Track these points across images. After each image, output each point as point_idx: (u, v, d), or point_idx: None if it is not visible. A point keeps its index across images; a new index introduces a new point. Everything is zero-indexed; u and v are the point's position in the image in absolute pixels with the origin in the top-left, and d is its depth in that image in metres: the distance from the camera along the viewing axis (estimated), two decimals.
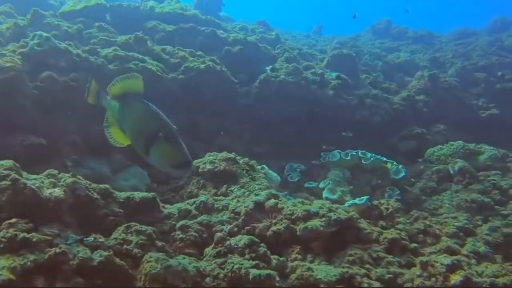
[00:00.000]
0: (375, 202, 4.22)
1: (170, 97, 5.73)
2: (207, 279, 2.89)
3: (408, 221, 4.16)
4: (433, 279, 3.04)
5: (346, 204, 4.31)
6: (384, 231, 3.58)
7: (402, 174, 5.59)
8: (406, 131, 7.08)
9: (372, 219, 4.03)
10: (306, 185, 5.67)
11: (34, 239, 2.53)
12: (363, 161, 5.69)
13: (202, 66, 5.97)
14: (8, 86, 4.50)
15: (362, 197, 4.42)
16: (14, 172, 2.87)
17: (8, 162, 2.93)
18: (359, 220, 3.62)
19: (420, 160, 6.47)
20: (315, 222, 3.35)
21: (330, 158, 5.75)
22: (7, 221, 2.61)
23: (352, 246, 3.34)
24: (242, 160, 4.45)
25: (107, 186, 3.43)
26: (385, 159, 5.81)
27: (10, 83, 4.51)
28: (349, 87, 7.07)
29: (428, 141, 6.94)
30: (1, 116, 4.42)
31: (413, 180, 5.95)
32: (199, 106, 6.08)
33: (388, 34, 11.82)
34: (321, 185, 5.51)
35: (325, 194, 5.32)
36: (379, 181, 5.66)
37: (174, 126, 2.50)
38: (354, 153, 5.73)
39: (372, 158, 5.70)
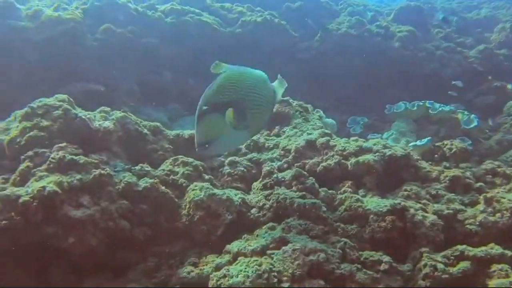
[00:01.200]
0: (438, 144, 3.92)
1: (226, 51, 5.68)
2: (253, 210, 2.81)
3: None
4: (498, 214, 2.72)
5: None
6: (445, 170, 3.29)
7: (474, 123, 5.17)
8: (485, 85, 6.53)
9: (434, 161, 3.76)
10: (369, 136, 5.40)
11: (81, 161, 2.57)
12: (430, 111, 5.33)
13: (259, 19, 5.86)
14: (69, 36, 4.68)
15: (423, 139, 4.14)
16: (66, 103, 2.93)
17: (62, 96, 3.01)
18: (417, 158, 3.36)
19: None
20: (367, 156, 3.15)
21: (395, 109, 5.44)
22: (57, 145, 2.68)
23: (408, 183, 3.11)
24: (296, 102, 4.30)
25: (157, 124, 3.45)
26: (454, 108, 5.41)
27: (70, 33, 4.68)
28: (417, 40, 6.64)
29: (509, 95, 6.36)
30: (62, 65, 4.60)
31: (488, 131, 5.49)
32: (256, 61, 5.94)
33: None
34: (385, 135, 5.24)
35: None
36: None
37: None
38: (421, 103, 5.37)
39: (440, 108, 5.32)
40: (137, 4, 5.57)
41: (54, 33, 4.71)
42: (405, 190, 3.01)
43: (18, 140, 2.76)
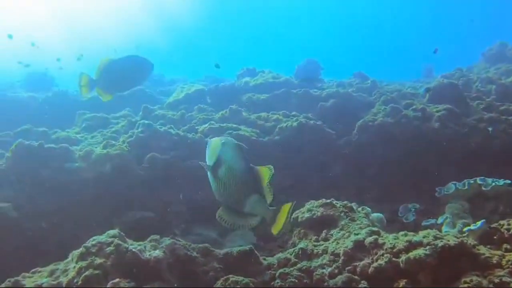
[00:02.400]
0: (494, 225, 3.73)
1: (269, 159, 5.86)
2: None
3: None
4: None
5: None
6: (506, 254, 3.11)
7: None
8: None
9: (493, 245, 3.56)
10: (423, 223, 5.22)
11: None
12: (483, 188, 5.13)
13: (295, 124, 6.07)
14: (117, 170, 5.05)
15: (477, 222, 3.96)
16: (117, 238, 3.13)
17: (114, 231, 3.22)
18: (474, 244, 3.20)
19: None
20: (418, 252, 3.05)
21: (445, 191, 5.29)
22: (111, 281, 2.83)
23: (467, 274, 2.95)
24: (340, 203, 4.30)
25: (206, 245, 3.56)
26: (509, 181, 5.18)
27: (118, 167, 5.05)
28: (457, 116, 6.59)
29: None
30: (114, 197, 4.92)
31: None
32: (300, 163, 6.09)
33: (504, 58, 10.94)
34: (440, 220, 5.05)
35: (444, 229, 4.86)
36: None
37: None
38: (472, 181, 5.20)
39: (493, 183, 5.12)
40: (179, 128, 5.97)
41: (105, 169, 5.10)
42: (465, 283, 2.84)
43: (75, 281, 2.92)
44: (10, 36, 11.22)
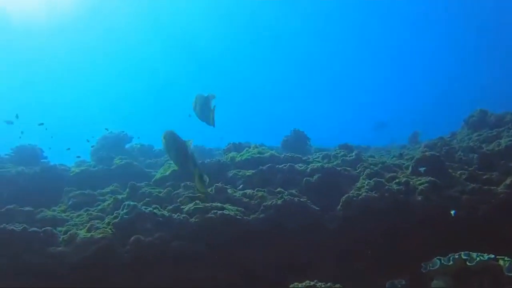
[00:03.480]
0: None
1: (254, 237, 5.90)
2: None
3: None
4: None
5: None
6: None
7: None
8: None
9: None
10: None
11: None
12: (468, 263, 5.15)
13: (279, 201, 6.14)
14: (101, 253, 5.04)
15: None
16: None
17: None
18: None
19: None
20: None
21: (430, 267, 5.30)
22: None
23: None
24: (325, 285, 4.31)
25: None
26: (493, 256, 5.22)
27: (102, 250, 5.05)
28: (440, 188, 6.70)
29: None
30: (99, 280, 4.89)
31: None
32: (285, 240, 6.11)
33: (485, 125, 11.20)
34: None
35: None
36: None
37: None
38: (456, 256, 5.23)
39: (478, 258, 5.15)
40: (165, 207, 6.01)
41: (88, 253, 5.09)
42: None
43: None
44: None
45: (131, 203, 5.76)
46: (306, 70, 44.27)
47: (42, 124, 11.41)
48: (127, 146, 12.19)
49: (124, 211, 5.67)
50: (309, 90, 44.41)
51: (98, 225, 5.63)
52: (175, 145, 4.08)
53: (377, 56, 43.88)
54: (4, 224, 5.26)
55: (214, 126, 4.64)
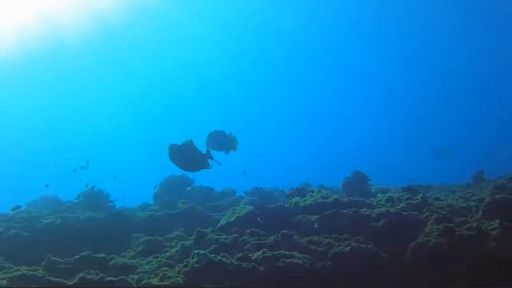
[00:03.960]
0: None
1: (322, 285, 5.84)
2: None
3: None
4: None
5: None
6: None
7: None
8: None
9: None
10: None
11: None
12: None
13: (346, 249, 6.07)
14: None
15: None
16: None
17: None
18: None
19: None
20: None
21: None
22: None
23: None
24: None
25: None
26: None
27: None
28: None
29: None
30: None
31: None
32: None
33: None
34: None
35: None
36: None
37: None
38: None
39: None
40: (232, 255, 6.08)
41: None
42: None
43: None
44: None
45: (201, 252, 5.85)
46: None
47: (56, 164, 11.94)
48: (188, 188, 12.53)
49: (194, 259, 5.77)
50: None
51: (170, 274, 5.74)
52: (179, 155, 5.60)
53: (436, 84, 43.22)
54: (83, 274, 5.48)
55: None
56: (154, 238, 7.78)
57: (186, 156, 6.30)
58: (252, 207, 7.89)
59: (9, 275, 6.39)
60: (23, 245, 8.78)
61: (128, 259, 7.17)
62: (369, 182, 10.73)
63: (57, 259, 7.10)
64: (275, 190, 12.53)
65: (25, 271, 6.35)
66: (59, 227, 8.97)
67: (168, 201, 10.48)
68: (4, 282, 6.21)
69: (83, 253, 7.03)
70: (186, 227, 8.72)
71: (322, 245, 6.46)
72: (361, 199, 8.29)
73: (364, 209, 7.51)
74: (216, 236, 7.12)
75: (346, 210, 7.35)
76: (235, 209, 7.97)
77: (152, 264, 6.71)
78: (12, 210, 10.25)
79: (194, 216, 9.52)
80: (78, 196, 11.73)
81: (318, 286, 5.99)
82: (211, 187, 12.24)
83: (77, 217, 9.32)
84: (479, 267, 6.25)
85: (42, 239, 8.89)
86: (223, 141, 7.60)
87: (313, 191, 8.46)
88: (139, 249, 7.55)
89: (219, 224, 7.88)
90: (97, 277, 5.43)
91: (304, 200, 8.00)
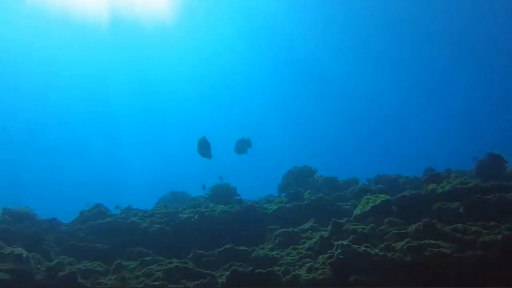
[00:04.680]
0: None
1: (470, 273, 5.61)
2: None
3: None
4: None
5: None
6: None
7: None
8: None
9: None
10: None
11: None
12: None
13: (498, 237, 5.75)
14: None
15: None
16: None
17: None
18: None
19: None
20: None
21: None
22: None
23: None
24: None
25: None
26: None
27: None
28: None
29: None
30: None
31: None
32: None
33: None
34: None
35: None
36: None
37: None
38: None
39: None
40: (375, 247, 6.04)
41: None
42: None
43: None
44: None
45: (345, 242, 5.89)
46: None
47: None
48: (310, 179, 12.63)
49: (339, 250, 5.83)
50: None
51: (316, 265, 5.86)
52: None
53: None
54: (235, 266, 5.79)
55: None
56: (289, 229, 7.97)
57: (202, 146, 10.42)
58: (388, 196, 7.75)
59: (163, 267, 6.94)
60: (167, 239, 9.47)
61: (268, 251, 7.43)
62: (506, 164, 10.01)
63: (201, 252, 7.57)
64: (399, 176, 12.17)
65: (178, 263, 6.86)
66: (197, 222, 9.53)
67: (295, 193, 10.64)
68: (160, 274, 6.75)
69: (226, 246, 7.42)
70: (316, 218, 8.81)
71: (469, 233, 6.18)
72: (504, 183, 7.79)
73: (510, 194, 7.05)
74: (353, 226, 7.12)
75: (490, 196, 6.96)
76: (368, 198, 7.89)
77: (293, 256, 6.88)
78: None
79: (322, 206, 9.58)
80: (208, 190, 12.38)
81: (467, 276, 5.76)
82: (335, 177, 12.22)
83: (212, 212, 9.83)
84: None
85: (182, 232, 9.53)
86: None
87: (449, 176, 8.10)
88: (276, 241, 7.78)
89: (354, 214, 7.87)
90: (248, 270, 5.70)
91: (441, 187, 7.70)
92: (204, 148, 10.51)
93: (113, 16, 30.07)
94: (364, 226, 7.08)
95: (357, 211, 7.82)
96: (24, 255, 6.75)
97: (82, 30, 31.26)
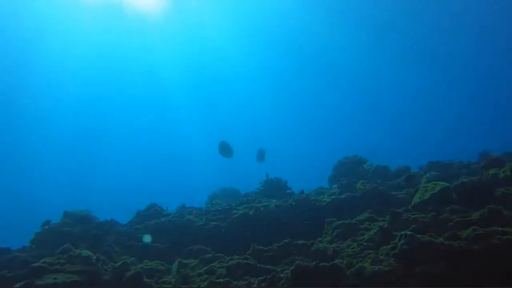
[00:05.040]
0: None
1: None
2: None
3: None
4: None
5: None
6: None
7: None
8: None
9: None
10: None
11: None
12: None
13: None
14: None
15: None
16: None
17: None
18: None
19: None
20: None
21: None
22: None
23: None
24: None
25: None
26: None
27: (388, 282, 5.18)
28: None
29: None
30: None
31: None
32: None
33: None
34: None
35: None
36: None
37: None
38: None
39: None
40: (439, 235, 5.93)
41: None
42: None
43: None
44: None
45: (408, 232, 5.80)
46: None
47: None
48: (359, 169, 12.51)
49: (402, 241, 5.74)
50: None
51: (380, 256, 5.81)
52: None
53: None
54: (299, 262, 5.81)
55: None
56: (347, 221, 7.92)
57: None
58: (446, 183, 7.56)
59: (225, 264, 7.05)
60: (223, 235, 9.61)
61: (327, 243, 7.42)
62: None
63: (261, 247, 7.62)
64: (453, 162, 11.87)
65: (239, 260, 6.94)
66: (252, 217, 9.61)
67: (347, 184, 10.58)
68: (223, 270, 6.86)
69: (285, 241, 7.46)
70: (371, 208, 8.72)
71: None
72: None
73: None
74: (413, 216, 7.00)
75: None
76: (426, 186, 7.74)
77: (354, 248, 6.85)
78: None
79: (377, 196, 9.48)
80: (259, 185, 12.47)
81: None
82: (386, 166, 12.04)
83: (267, 206, 9.89)
84: None
85: (238, 229, 9.64)
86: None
87: (510, 161, 7.83)
88: (334, 233, 7.75)
89: (412, 203, 7.73)
90: (312, 264, 5.71)
91: (503, 171, 7.45)
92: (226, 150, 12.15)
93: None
94: (425, 215, 6.94)
95: (415, 200, 7.68)
96: (93, 257, 7.00)
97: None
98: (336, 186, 11.36)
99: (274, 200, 10.61)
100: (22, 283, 6.48)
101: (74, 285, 6.53)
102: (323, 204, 9.70)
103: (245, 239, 8.99)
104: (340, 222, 7.94)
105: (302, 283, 5.66)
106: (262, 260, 7.19)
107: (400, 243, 5.79)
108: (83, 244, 9.13)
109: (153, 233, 10.25)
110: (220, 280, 6.37)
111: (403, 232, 5.87)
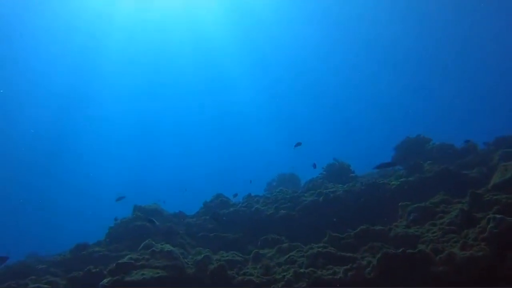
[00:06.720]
0: None
1: None
2: None
3: None
4: None
5: None
6: None
7: None
8: None
9: None
10: None
11: None
12: None
13: None
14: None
15: None
16: None
17: None
18: None
19: None
20: None
21: None
22: None
23: None
24: None
25: None
26: None
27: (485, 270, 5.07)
28: None
29: None
30: None
31: None
32: None
33: None
34: None
35: None
36: None
37: None
38: None
39: None
40: None
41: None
42: None
43: None
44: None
45: (497, 216, 5.63)
46: None
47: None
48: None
49: (491, 224, 5.59)
50: None
51: (468, 241, 5.69)
52: None
53: None
54: (386, 249, 5.77)
55: None
56: (422, 204, 7.79)
57: None
58: None
59: (305, 253, 7.07)
60: (294, 223, 9.65)
61: (404, 228, 7.33)
62: None
63: (337, 234, 7.59)
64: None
65: (319, 249, 6.93)
66: (322, 203, 9.61)
67: (414, 165, 10.35)
68: (304, 260, 6.88)
69: (362, 227, 7.40)
70: (443, 189, 8.51)
71: None
72: None
73: None
74: (495, 197, 6.79)
75: None
76: (506, 165, 7.48)
77: (435, 232, 6.73)
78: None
79: (448, 177, 9.24)
80: (322, 170, 12.44)
81: None
82: (451, 143, 11.68)
83: (335, 192, 9.85)
84: None
85: (308, 216, 9.66)
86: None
87: None
88: (411, 217, 7.64)
89: (492, 183, 7.49)
90: (399, 251, 5.66)
91: None
92: None
93: None
94: (508, 196, 6.71)
95: (495, 180, 7.44)
96: (176, 252, 7.19)
97: None
98: (402, 168, 11.12)
99: (340, 185, 10.55)
100: (110, 279, 6.74)
101: (161, 280, 6.73)
102: (392, 187, 9.56)
103: (316, 226, 9.01)
104: (415, 205, 7.81)
105: (389, 270, 5.63)
106: (341, 248, 7.16)
107: (489, 226, 5.64)
108: (157, 238, 9.40)
109: (222, 223, 10.43)
110: (303, 270, 6.39)
111: (491, 215, 5.71)
